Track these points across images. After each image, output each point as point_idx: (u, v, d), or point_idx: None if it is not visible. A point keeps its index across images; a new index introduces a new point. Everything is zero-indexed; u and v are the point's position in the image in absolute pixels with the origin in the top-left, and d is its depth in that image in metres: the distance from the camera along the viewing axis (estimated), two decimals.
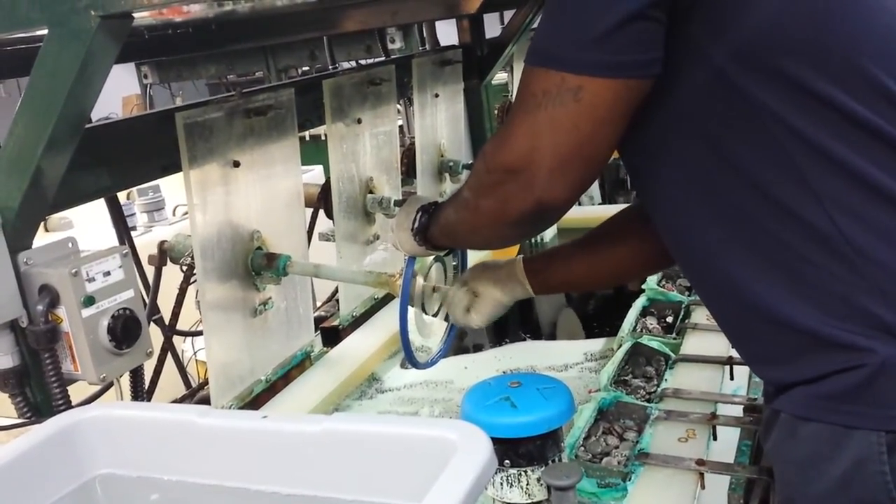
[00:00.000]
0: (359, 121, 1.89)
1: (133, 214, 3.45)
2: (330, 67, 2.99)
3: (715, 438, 1.24)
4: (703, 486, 1.11)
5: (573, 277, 1.22)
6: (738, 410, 1.28)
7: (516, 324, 2.67)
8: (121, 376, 1.16)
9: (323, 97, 1.75)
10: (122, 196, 3.77)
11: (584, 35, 0.79)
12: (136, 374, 1.20)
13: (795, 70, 0.79)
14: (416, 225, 1.12)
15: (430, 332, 1.38)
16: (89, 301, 1.08)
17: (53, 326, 1.07)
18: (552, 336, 2.64)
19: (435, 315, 1.34)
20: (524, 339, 2.02)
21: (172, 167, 1.37)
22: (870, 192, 0.79)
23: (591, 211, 3.00)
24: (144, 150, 1.40)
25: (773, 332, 0.86)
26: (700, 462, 1.12)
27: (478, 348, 2.38)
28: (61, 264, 1.08)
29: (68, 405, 1.09)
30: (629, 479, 1.13)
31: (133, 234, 3.40)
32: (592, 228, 1.21)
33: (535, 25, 2.48)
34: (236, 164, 1.42)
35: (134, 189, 3.64)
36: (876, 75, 0.80)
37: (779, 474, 0.92)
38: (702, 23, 0.80)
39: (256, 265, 1.51)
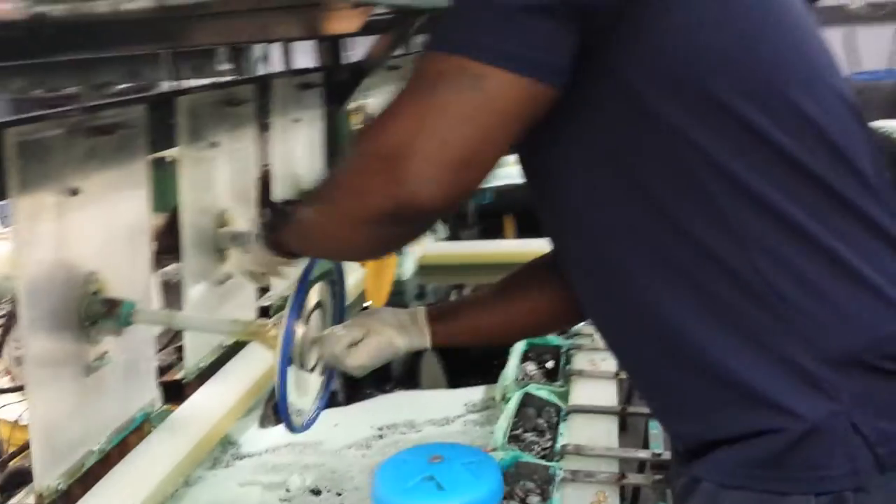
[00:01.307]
0: (214, 145, 1.68)
1: None
2: (167, 84, 2.72)
3: (624, 500, 1.17)
4: None
5: (482, 328, 1.07)
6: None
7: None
8: None
9: (172, 116, 1.53)
10: None
11: (491, 23, 0.70)
12: None
13: (719, 98, 0.73)
14: (264, 221, 0.98)
15: (305, 389, 1.21)
16: None
17: None
18: (408, 382, 2.52)
19: (312, 370, 1.18)
20: (389, 388, 1.88)
21: None
22: (792, 234, 0.74)
23: (441, 248, 2.94)
24: None
25: (697, 381, 0.79)
26: None
27: (332, 396, 2.21)
28: None
29: None
30: None
31: None
32: (505, 276, 1.10)
33: (398, 52, 2.39)
34: (74, 193, 1.18)
35: None
36: (805, 109, 0.75)
37: None
38: (620, 45, 0.73)
39: (92, 313, 1.26)
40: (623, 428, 1.37)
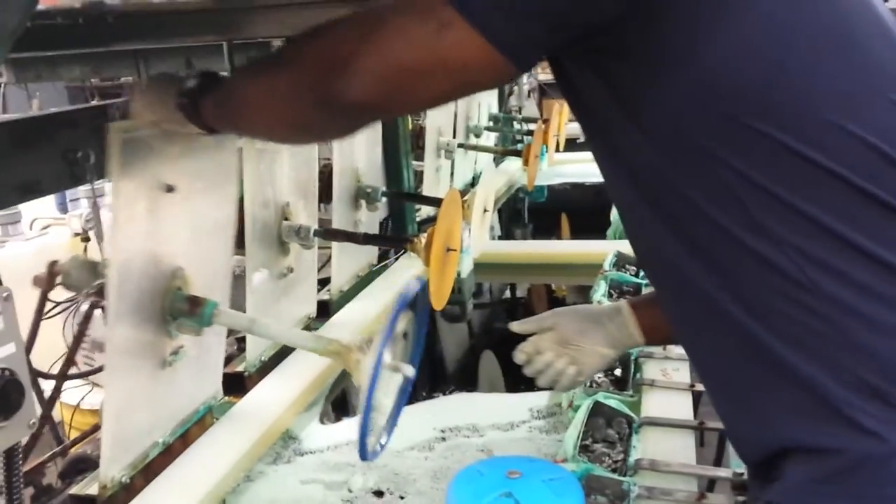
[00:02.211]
0: None
1: None
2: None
3: None
4: None
5: None
6: (723, 486, 1.16)
7: (423, 365, 2.50)
8: None
9: None
10: None
11: None
12: (11, 458, 0.91)
13: (753, 126, 0.70)
14: (188, 88, 0.95)
15: (378, 412, 1.18)
16: None
17: None
18: (461, 380, 2.48)
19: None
20: (449, 390, 1.84)
21: (33, 190, 1.12)
22: (848, 250, 0.71)
23: (497, 246, 2.89)
24: None
25: (774, 384, 0.75)
26: None
27: None
28: None
29: None
30: None
31: None
32: None
33: None
34: (170, 189, 1.18)
35: None
36: (849, 128, 0.71)
37: None
38: (648, 66, 0.72)
39: (175, 309, 1.24)
40: (699, 444, 1.31)
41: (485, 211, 2.42)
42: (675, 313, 0.87)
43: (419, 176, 2.71)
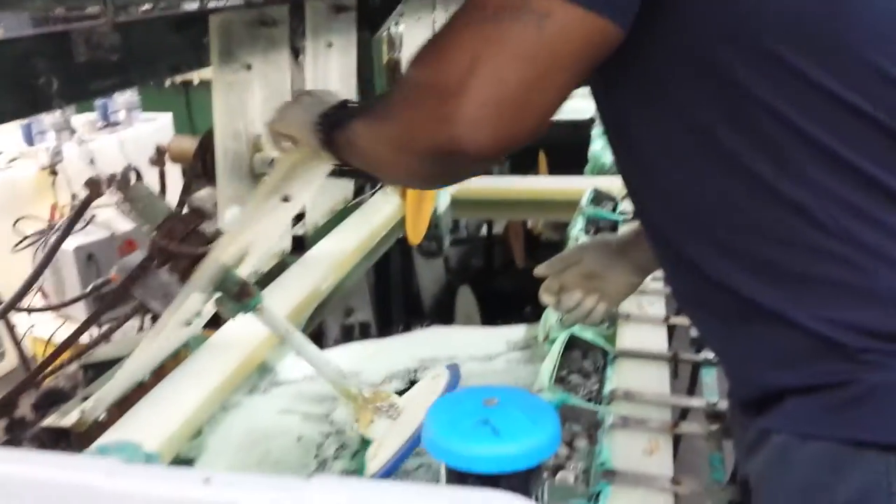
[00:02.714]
0: (248, 67, 1.61)
1: None
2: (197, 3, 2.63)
3: (676, 448, 1.13)
4: None
5: None
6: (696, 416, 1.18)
7: (399, 301, 2.50)
8: None
9: (203, 36, 1.47)
10: None
11: None
12: None
13: (784, 57, 0.69)
14: (325, 115, 0.93)
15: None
16: None
17: None
18: (437, 315, 2.49)
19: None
20: (426, 323, 1.84)
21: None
22: (868, 187, 0.70)
23: (475, 182, 2.87)
24: None
25: (772, 329, 0.75)
26: (675, 481, 1.01)
27: (364, 328, 2.18)
28: None
29: None
30: (597, 501, 1.00)
31: None
32: None
33: None
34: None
35: None
36: (875, 60, 0.69)
37: (765, 502, 0.81)
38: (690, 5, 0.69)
39: (225, 288, 1.26)
40: (674, 376, 1.32)
41: None
42: (668, 262, 0.86)
43: None
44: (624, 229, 1.13)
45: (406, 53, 2.64)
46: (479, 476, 0.81)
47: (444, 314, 2.40)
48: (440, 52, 0.69)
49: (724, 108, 0.72)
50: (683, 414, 1.26)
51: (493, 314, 2.00)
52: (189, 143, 1.75)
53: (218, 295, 1.27)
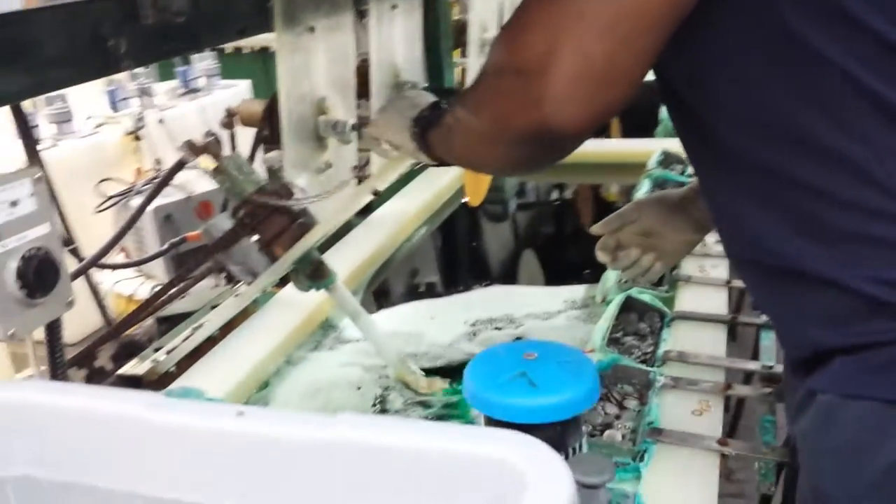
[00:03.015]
0: (311, 30, 1.64)
1: (37, 126, 3.08)
2: None
3: (728, 411, 1.11)
4: (726, 470, 0.98)
5: None
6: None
7: (465, 264, 2.52)
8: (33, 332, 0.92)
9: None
10: (26, 103, 3.40)
11: None
12: (53, 331, 0.96)
13: (848, 5, 0.65)
14: (419, 118, 0.96)
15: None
16: None
17: None
18: (504, 280, 2.50)
19: None
20: (486, 283, 1.85)
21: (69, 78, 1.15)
22: None
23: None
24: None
25: (818, 291, 0.73)
26: (722, 442, 0.99)
27: (431, 287, 2.21)
28: None
29: None
30: (641, 459, 0.99)
31: (38, 147, 3.05)
32: None
33: None
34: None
35: (40, 98, 3.26)
36: None
37: (810, 463, 0.80)
38: None
39: (302, 267, 1.32)
40: (733, 339, 1.30)
41: None
42: (723, 225, 0.85)
43: (463, 73, 2.65)
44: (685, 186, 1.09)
45: (474, 16, 2.62)
46: (515, 426, 0.82)
47: (509, 278, 2.40)
48: (518, 35, 0.68)
49: (778, 62, 0.69)
50: (748, 378, 1.23)
51: (557, 280, 1.99)
52: (258, 106, 1.79)
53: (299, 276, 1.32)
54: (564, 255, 2.53)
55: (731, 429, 1.34)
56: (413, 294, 2.09)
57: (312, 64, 1.69)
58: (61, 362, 0.97)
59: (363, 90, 2.01)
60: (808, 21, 0.66)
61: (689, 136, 0.82)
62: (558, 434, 0.83)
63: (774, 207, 0.74)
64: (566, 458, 0.82)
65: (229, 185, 1.36)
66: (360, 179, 1.95)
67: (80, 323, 1.99)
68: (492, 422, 0.84)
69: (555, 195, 3.55)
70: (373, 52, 1.98)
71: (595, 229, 1.17)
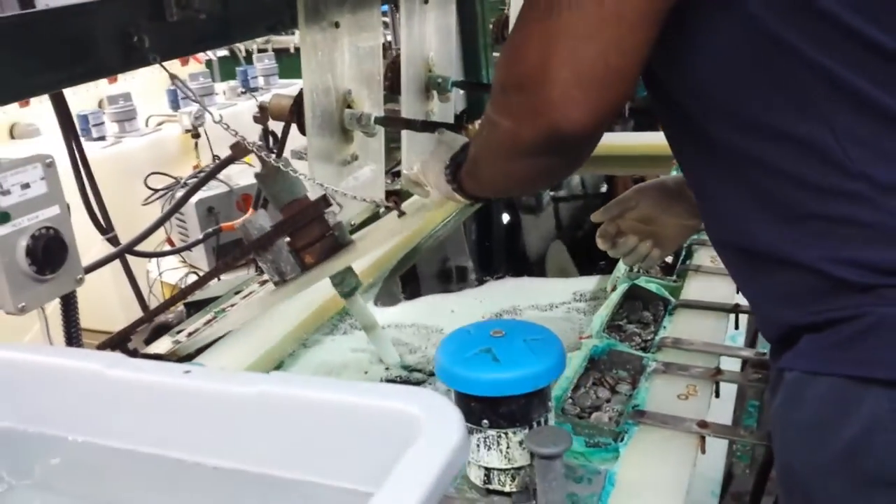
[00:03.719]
0: (336, 25, 1.69)
1: (102, 124, 3.25)
2: None
3: (717, 395, 1.11)
4: (703, 451, 0.99)
5: None
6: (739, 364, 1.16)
7: (501, 255, 2.54)
8: (42, 305, 1.00)
9: None
10: (92, 104, 3.57)
11: None
12: (68, 305, 1.04)
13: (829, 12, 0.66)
14: (450, 163, 0.99)
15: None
16: (3, 217, 0.92)
17: None
18: (542, 271, 2.51)
19: None
20: (508, 276, 1.88)
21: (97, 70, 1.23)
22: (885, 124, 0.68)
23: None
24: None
25: (780, 270, 0.75)
26: (702, 424, 1.00)
27: (461, 272, 2.24)
28: None
29: None
30: (621, 440, 1.01)
31: (101, 144, 3.21)
32: None
33: None
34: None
35: (104, 97, 3.43)
36: None
37: (779, 440, 0.80)
38: None
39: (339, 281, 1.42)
40: (735, 327, 1.29)
41: None
42: (704, 195, 0.86)
43: None
44: None
45: (514, 10, 2.64)
46: (479, 398, 0.85)
47: (537, 268, 2.42)
48: (514, 53, 0.72)
49: (744, 44, 0.70)
50: (754, 365, 1.23)
51: (585, 268, 2.00)
52: (287, 101, 1.86)
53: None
54: (592, 243, 2.53)
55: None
56: (446, 278, 2.13)
57: (337, 58, 1.75)
58: (76, 334, 1.05)
59: (397, 84, 2.07)
60: (779, 18, 0.68)
61: (672, 124, 0.83)
62: (521, 407, 0.86)
63: (747, 191, 0.75)
64: (529, 430, 0.86)
65: (271, 191, 1.42)
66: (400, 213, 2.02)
67: (128, 308, 2.10)
68: (458, 394, 0.87)
69: (605, 188, 3.53)
70: (403, 47, 2.03)
71: (595, 217, 1.19)
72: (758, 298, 0.83)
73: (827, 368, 0.71)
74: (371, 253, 1.72)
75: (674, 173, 1.86)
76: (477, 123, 1.68)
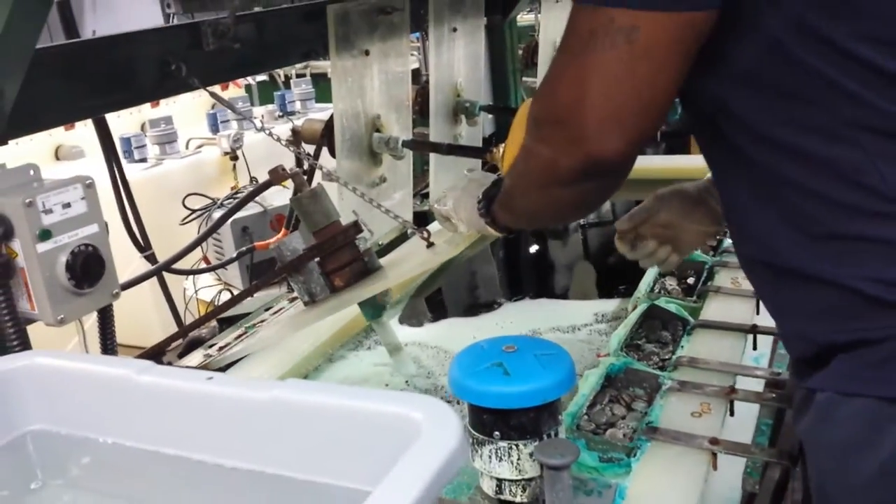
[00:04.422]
0: (366, 52, 1.75)
1: (144, 146, 3.36)
2: None
3: (732, 414, 1.12)
4: (714, 468, 1.00)
5: None
6: (759, 385, 1.17)
7: (530, 277, 2.56)
8: (80, 318, 1.06)
9: (327, 25, 1.62)
10: (135, 127, 3.69)
11: None
12: (105, 318, 1.10)
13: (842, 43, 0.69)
14: (483, 198, 1.04)
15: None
16: (45, 235, 0.98)
17: (7, 260, 0.98)
18: (566, 292, 2.53)
19: None
20: (517, 297, 1.90)
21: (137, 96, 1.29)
22: None
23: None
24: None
25: (814, 288, 0.75)
26: (714, 441, 1.01)
27: (490, 305, 2.27)
28: (16, 193, 0.98)
29: (25, 347, 1.00)
30: (634, 455, 1.03)
31: (143, 166, 3.31)
32: None
33: None
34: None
35: (146, 120, 3.55)
36: None
37: (812, 462, 0.81)
38: None
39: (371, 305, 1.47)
40: (753, 347, 1.30)
41: None
42: (732, 212, 0.87)
43: (533, 92, 2.72)
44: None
45: (543, 37, 2.69)
46: (491, 411, 0.88)
47: (559, 291, 2.45)
48: (550, 91, 0.76)
49: (775, 73, 0.72)
50: (769, 385, 1.23)
51: (608, 290, 2.01)
52: (319, 125, 1.93)
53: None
54: (618, 265, 2.54)
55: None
56: (469, 305, 2.16)
57: (367, 84, 1.81)
58: (111, 346, 1.11)
59: (426, 109, 2.12)
60: (801, 45, 0.70)
61: (707, 143, 0.85)
62: (531, 420, 0.88)
63: (780, 210, 0.76)
64: (538, 441, 0.89)
65: (306, 214, 1.47)
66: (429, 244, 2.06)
67: (166, 325, 2.17)
68: (471, 407, 0.90)
69: (621, 214, 3.52)
70: (432, 73, 2.09)
71: (619, 225, 1.21)
72: (786, 316, 0.84)
73: (860, 389, 0.72)
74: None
75: None
76: (502, 147, 1.72)
